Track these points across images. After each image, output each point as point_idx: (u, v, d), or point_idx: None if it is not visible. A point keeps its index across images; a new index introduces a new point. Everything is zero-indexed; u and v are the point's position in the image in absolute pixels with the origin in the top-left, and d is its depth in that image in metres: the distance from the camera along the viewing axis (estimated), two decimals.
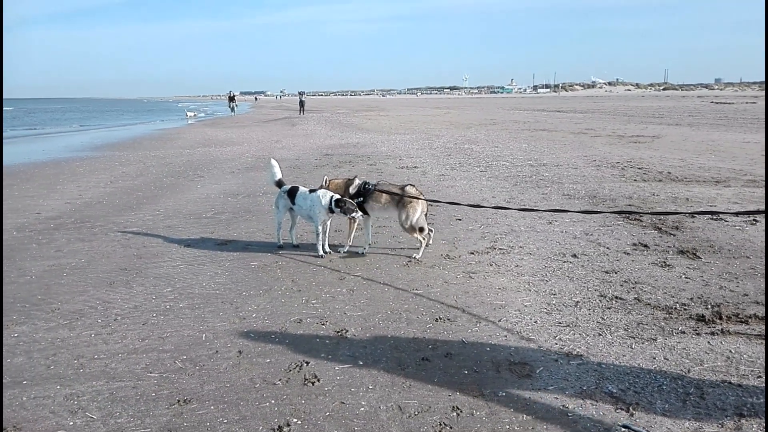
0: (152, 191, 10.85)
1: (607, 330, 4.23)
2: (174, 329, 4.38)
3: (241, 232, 7.43)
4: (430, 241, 6.39)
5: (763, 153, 14.55)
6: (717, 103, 52.23)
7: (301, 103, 50.24)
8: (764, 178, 10.61)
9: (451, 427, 3.05)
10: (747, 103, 50.24)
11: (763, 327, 4.21)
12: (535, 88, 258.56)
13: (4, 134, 29.32)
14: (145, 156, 17.21)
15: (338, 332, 4.29)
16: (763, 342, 3.96)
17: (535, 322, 4.42)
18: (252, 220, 8.10)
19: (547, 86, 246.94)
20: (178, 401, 3.35)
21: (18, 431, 3.05)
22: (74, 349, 4.04)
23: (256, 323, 4.48)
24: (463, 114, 45.20)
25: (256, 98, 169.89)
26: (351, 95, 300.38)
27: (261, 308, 4.78)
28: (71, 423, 3.13)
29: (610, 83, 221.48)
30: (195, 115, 50.15)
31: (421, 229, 6.10)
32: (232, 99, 49.61)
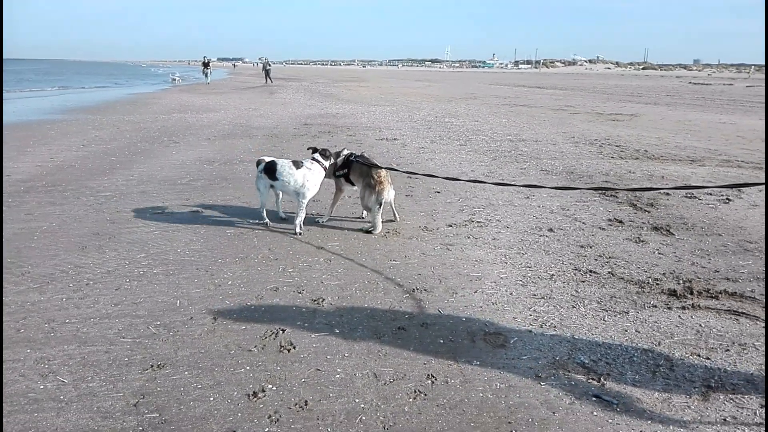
0: (126, 156, 10.62)
1: (580, 303, 4.28)
2: (148, 295, 4.32)
3: (217, 199, 7.32)
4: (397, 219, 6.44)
5: (738, 134, 14.75)
6: (695, 83, 52.77)
7: (267, 72, 47.14)
8: (740, 159, 10.79)
9: (425, 394, 3.08)
10: (724, 84, 50.87)
11: (734, 302, 4.31)
12: (516, 63, 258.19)
13: None
14: (119, 120, 16.81)
15: (315, 301, 4.27)
16: (733, 317, 4.05)
17: (510, 293, 4.46)
18: (228, 188, 7.98)
19: (528, 62, 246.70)
20: (152, 366, 3.31)
21: None
22: (45, 313, 3.96)
23: (231, 290, 4.44)
24: (444, 87, 44.97)
25: (234, 65, 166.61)
26: (331, 65, 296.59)
27: (237, 276, 4.74)
28: (42, 386, 3.08)
29: (590, 61, 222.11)
30: (181, 79, 48.90)
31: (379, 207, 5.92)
32: (206, 65, 45.13)
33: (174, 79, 48.71)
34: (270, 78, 46.42)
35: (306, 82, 51.52)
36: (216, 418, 2.84)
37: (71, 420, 2.80)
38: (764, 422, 2.83)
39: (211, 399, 3.01)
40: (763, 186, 4.22)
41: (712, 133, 14.94)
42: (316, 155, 6.02)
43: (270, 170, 5.90)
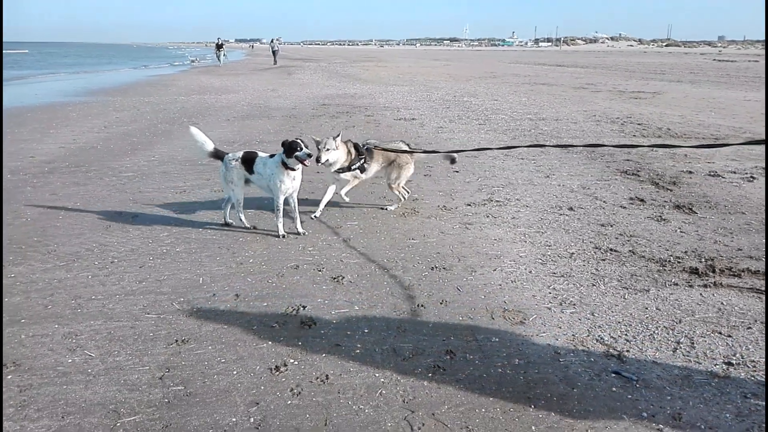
0: (147, 137, 10.74)
1: (600, 281, 4.27)
2: (171, 272, 4.40)
3: None
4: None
5: (764, 112, 14.43)
6: (719, 60, 51.50)
7: (274, 52, 45.68)
8: (764, 137, 10.56)
9: (444, 369, 3.11)
10: (750, 61, 49.55)
11: (756, 281, 4.26)
12: (536, 41, 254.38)
13: (6, 75, 28.86)
14: (139, 102, 16.95)
15: (335, 278, 4.32)
16: (756, 295, 4.01)
17: (530, 272, 4.46)
18: None
19: (548, 40, 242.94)
20: (176, 341, 3.39)
21: (18, 367, 3.09)
22: (72, 290, 4.06)
23: (253, 268, 4.51)
24: (462, 66, 44.50)
25: (252, 46, 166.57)
26: (349, 45, 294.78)
27: (258, 254, 4.80)
28: (70, 360, 3.17)
29: (612, 38, 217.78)
30: (199, 61, 48.91)
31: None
32: (220, 47, 43.03)
33: (192, 61, 48.89)
34: (276, 59, 45.29)
35: (324, 62, 51.33)
36: (239, 391, 2.91)
37: (99, 392, 2.88)
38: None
39: (235, 372, 3.07)
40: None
41: (737, 111, 14.62)
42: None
43: (248, 161, 5.25)
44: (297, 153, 4.87)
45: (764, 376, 3.04)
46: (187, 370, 3.09)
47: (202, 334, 3.48)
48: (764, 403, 2.81)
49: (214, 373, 3.07)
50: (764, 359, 3.19)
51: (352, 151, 5.77)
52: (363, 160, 5.78)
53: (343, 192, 6.19)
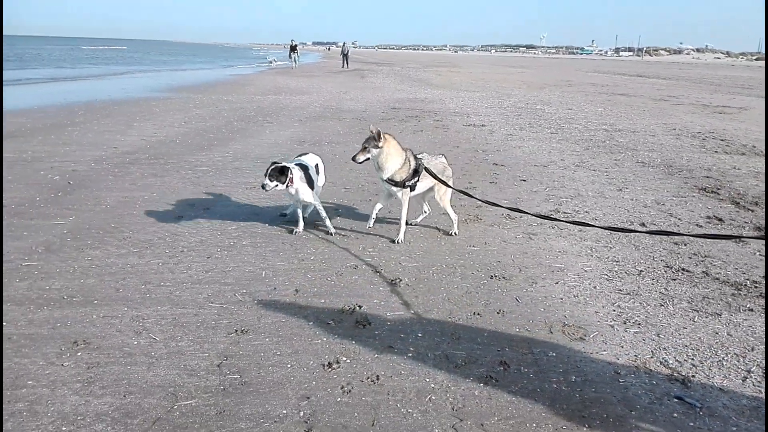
0: (223, 134, 11.14)
1: (669, 301, 4.08)
2: (236, 264, 4.55)
3: None
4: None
5: None
6: None
7: (345, 56, 44.79)
8: (764, 139, 9.79)
9: (497, 380, 3.06)
10: None
11: None
12: (617, 50, 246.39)
13: (101, 71, 30.75)
14: (218, 100, 17.60)
15: (392, 281, 4.33)
16: None
17: (594, 287, 4.32)
18: None
19: (630, 49, 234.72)
20: (236, 331, 3.50)
21: (87, 345, 3.28)
22: (142, 276, 4.27)
23: (313, 265, 4.59)
24: (537, 74, 43.66)
25: (329, 48, 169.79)
26: (423, 50, 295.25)
27: (319, 252, 4.89)
28: (135, 342, 3.33)
29: (698, 50, 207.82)
30: (275, 61, 50.16)
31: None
32: (293, 49, 41.56)
33: (271, 62, 50.24)
34: (347, 63, 44.52)
35: (397, 66, 51.63)
36: (292, 384, 2.97)
37: (160, 375, 3.01)
38: None
39: (289, 366, 3.14)
40: None
41: None
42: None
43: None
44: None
45: None
46: (244, 360, 3.19)
47: (261, 326, 3.57)
48: None
49: (270, 364, 3.15)
50: None
51: (412, 162, 4.95)
52: (417, 179, 4.99)
53: (408, 218, 5.40)
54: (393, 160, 4.88)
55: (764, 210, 6.45)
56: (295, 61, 41.59)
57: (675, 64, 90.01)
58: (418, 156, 5.12)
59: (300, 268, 4.53)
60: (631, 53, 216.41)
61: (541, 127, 13.29)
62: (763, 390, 3.02)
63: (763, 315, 3.89)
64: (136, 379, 2.97)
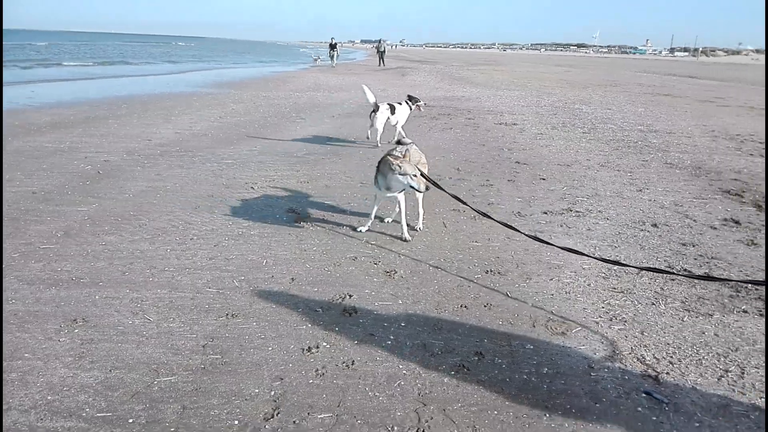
0: (255, 129, 11.44)
1: (662, 300, 4.05)
2: (240, 253, 4.74)
3: (324, 172, 7.71)
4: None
5: None
6: None
7: (381, 54, 43.59)
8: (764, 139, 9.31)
9: (468, 369, 3.13)
10: None
11: None
12: (671, 50, 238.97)
13: (152, 66, 31.87)
14: (256, 96, 18.01)
15: (387, 272, 4.44)
16: None
17: (588, 284, 4.32)
18: (337, 162, 8.36)
19: (685, 50, 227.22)
20: (227, 315, 3.67)
21: (86, 323, 3.51)
22: (149, 261, 4.50)
23: (314, 256, 4.73)
24: (584, 73, 42.80)
25: (375, 47, 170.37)
26: (471, 48, 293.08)
27: (322, 243, 5.03)
28: (130, 322, 3.54)
29: (758, 51, 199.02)
30: (320, 58, 50.56)
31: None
32: (333, 47, 40.93)
33: (315, 59, 50.79)
34: (383, 61, 43.54)
35: (440, 65, 51.47)
36: (269, 366, 3.11)
37: (147, 352, 3.20)
38: None
39: (270, 349, 3.28)
40: None
41: None
42: None
43: None
44: None
45: None
46: (229, 342, 3.35)
47: (251, 311, 3.73)
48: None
49: (252, 347, 3.30)
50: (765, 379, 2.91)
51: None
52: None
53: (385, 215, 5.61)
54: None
55: None
56: (333, 58, 41.59)
57: (732, 65, 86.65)
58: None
59: (300, 258, 4.68)
60: (686, 53, 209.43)
61: (574, 126, 13.12)
62: (737, 389, 2.99)
63: (757, 317, 3.82)
64: (124, 355, 3.17)
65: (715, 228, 5.72)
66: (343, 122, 12.75)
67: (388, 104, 10.10)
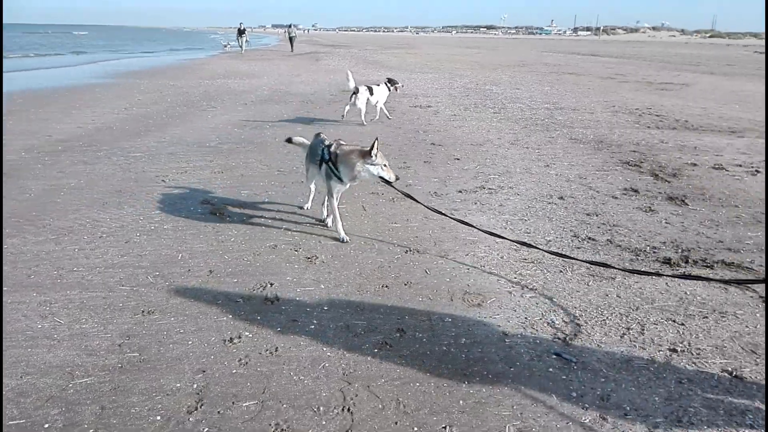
0: (163, 119, 11.02)
1: (569, 268, 4.30)
2: (154, 248, 4.59)
3: (239, 161, 7.56)
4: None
5: None
6: (760, 53, 49.75)
7: (291, 39, 43.27)
8: (765, 131, 10.28)
9: (390, 346, 3.22)
10: None
11: (728, 272, 4.24)
12: (575, 30, 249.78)
13: (36, 56, 29.73)
14: (164, 85, 17.32)
15: (309, 258, 4.45)
16: (722, 286, 4.00)
17: (502, 257, 4.52)
18: (253, 151, 8.22)
19: (588, 29, 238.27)
20: (142, 312, 3.57)
21: None
22: (56, 262, 4.28)
23: (232, 246, 4.66)
24: (494, 55, 44.01)
25: (286, 32, 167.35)
26: (384, 31, 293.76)
27: (240, 233, 4.96)
28: (39, 326, 3.38)
29: (654, 28, 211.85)
30: (230, 44, 48.74)
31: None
32: (241, 33, 39.74)
33: (225, 45, 49.21)
34: (292, 46, 42.87)
35: (354, 48, 51.36)
36: (190, 359, 3.06)
37: (59, 356, 3.07)
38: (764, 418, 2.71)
39: (190, 342, 3.23)
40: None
41: (764, 105, 14.22)
42: None
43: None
44: None
45: (705, 365, 3.06)
46: (146, 339, 3.26)
47: (168, 306, 3.64)
48: (698, 390, 2.84)
49: (171, 342, 3.24)
50: (709, 347, 3.21)
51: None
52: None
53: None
54: None
55: (685, 182, 6.76)
56: (243, 45, 40.20)
57: (630, 43, 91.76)
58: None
59: (218, 249, 4.60)
60: (589, 32, 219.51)
61: (485, 107, 13.52)
62: (638, 345, 3.25)
63: (655, 278, 4.14)
64: (35, 360, 3.03)
65: (617, 197, 6.11)
66: (257, 109, 12.51)
67: (366, 86, 10.99)
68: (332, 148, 4.70)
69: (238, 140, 9.02)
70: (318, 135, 5.12)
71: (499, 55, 42.72)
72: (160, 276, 4.08)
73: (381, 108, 11.36)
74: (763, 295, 3.86)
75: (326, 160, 4.69)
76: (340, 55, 39.08)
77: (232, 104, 13.30)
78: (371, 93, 10.94)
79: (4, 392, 2.76)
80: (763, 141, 9.30)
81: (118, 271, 4.15)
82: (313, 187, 5.44)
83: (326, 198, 5.01)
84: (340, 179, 4.69)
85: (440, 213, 4.82)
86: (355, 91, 10.70)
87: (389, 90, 11.33)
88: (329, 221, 5.17)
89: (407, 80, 19.91)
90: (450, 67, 27.65)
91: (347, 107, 11.05)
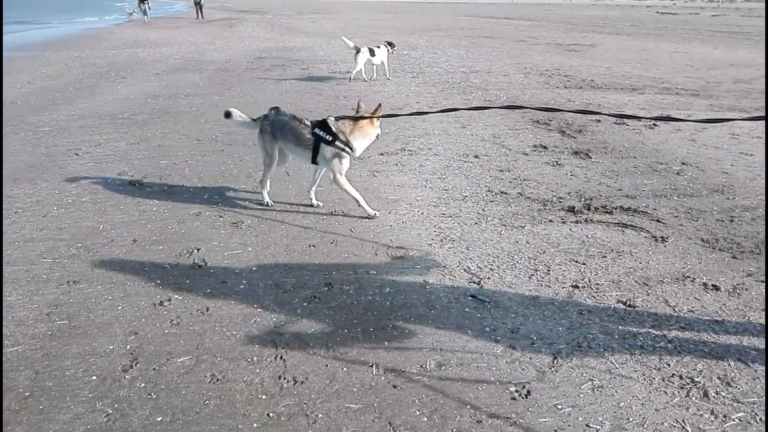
0: (71, 92, 10.49)
1: (484, 220, 4.60)
2: (73, 221, 4.51)
3: (156, 132, 7.39)
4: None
5: (687, 63, 15.01)
6: (662, 13, 52.51)
7: (198, 5, 40.03)
8: (681, 87, 11.08)
9: (319, 299, 3.39)
10: (690, 14, 50.73)
11: (624, 216, 4.67)
12: None
13: None
14: (68, 57, 16.34)
15: (234, 223, 4.51)
16: (619, 229, 4.42)
17: (422, 213, 4.75)
18: (169, 121, 8.04)
19: None
20: (68, 282, 3.55)
21: None
22: None
23: (155, 216, 4.65)
24: (411, 19, 44.04)
25: None
26: None
27: (162, 203, 4.93)
28: None
29: None
30: (135, 12, 45.77)
31: None
32: (143, 0, 35.61)
33: (131, 13, 46.48)
34: (201, 13, 39.86)
35: (269, 14, 49.87)
36: (121, 324, 3.12)
37: None
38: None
39: (119, 308, 3.27)
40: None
41: (664, 62, 15.19)
42: None
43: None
44: None
45: (603, 298, 3.43)
46: (74, 307, 3.27)
47: (94, 276, 3.64)
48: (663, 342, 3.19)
49: (100, 308, 3.26)
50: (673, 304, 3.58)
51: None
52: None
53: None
54: None
55: (589, 137, 7.23)
56: (145, 12, 36.23)
57: (542, 6, 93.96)
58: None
59: (140, 219, 4.57)
60: None
61: (404, 71, 13.69)
62: (544, 284, 3.58)
63: (560, 224, 4.50)
64: None
65: (527, 154, 6.48)
66: (170, 79, 12.11)
67: (368, 48, 12.20)
68: (335, 128, 4.49)
69: (152, 111, 8.77)
70: (277, 110, 4.83)
71: (416, 20, 42.81)
72: (82, 247, 4.04)
73: (384, 66, 12.55)
74: (656, 234, 4.30)
75: (329, 142, 4.46)
76: (254, 21, 37.92)
77: (143, 74, 12.79)
78: (372, 54, 12.11)
79: None
80: (661, 97, 10.01)
81: (38, 244, 4.08)
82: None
83: (332, 180, 4.63)
84: (351, 154, 4.56)
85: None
86: (357, 51, 11.85)
87: (389, 51, 12.60)
88: (320, 203, 4.93)
89: (326, 46, 19.76)
90: (368, 32, 27.50)
91: (356, 68, 11.96)
